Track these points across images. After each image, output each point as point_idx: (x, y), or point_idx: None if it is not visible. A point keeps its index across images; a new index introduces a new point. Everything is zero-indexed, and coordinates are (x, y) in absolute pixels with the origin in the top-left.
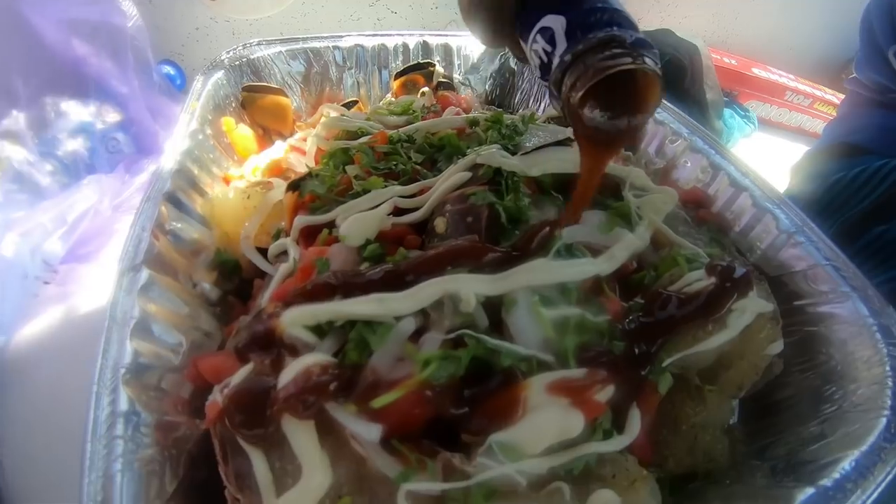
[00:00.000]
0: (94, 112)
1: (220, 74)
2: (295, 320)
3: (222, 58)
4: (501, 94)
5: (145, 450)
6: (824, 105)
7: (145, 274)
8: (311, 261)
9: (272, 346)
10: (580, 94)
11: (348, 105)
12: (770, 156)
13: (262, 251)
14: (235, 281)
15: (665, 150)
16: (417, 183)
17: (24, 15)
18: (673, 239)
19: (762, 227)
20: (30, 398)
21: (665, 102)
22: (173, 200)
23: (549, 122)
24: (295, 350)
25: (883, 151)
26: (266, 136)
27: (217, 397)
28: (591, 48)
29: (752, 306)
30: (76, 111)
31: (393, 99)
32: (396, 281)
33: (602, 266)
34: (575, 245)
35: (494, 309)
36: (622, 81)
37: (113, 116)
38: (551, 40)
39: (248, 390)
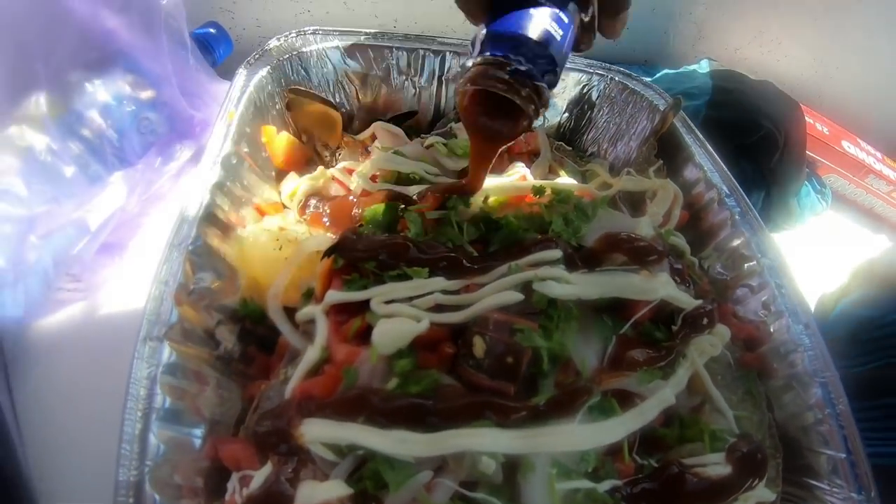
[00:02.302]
0: (123, 91)
1: (264, 72)
2: (316, 438)
3: (269, 47)
4: (574, 129)
5: None
6: None
7: (167, 350)
8: (339, 371)
9: (291, 451)
10: (459, 92)
11: (405, 116)
12: (838, 239)
13: (290, 310)
14: (260, 331)
15: (734, 263)
16: (463, 281)
17: None
18: (709, 390)
19: (803, 393)
20: (52, 389)
21: (748, 204)
22: (199, 251)
23: (619, 202)
24: (314, 462)
25: None
26: (309, 143)
27: (237, 497)
28: (481, 64)
29: (755, 497)
30: (102, 90)
31: (454, 124)
32: (421, 417)
33: (630, 425)
34: (609, 394)
35: (511, 465)
36: (493, 96)
37: (145, 95)
38: (474, 44)
39: (267, 499)
